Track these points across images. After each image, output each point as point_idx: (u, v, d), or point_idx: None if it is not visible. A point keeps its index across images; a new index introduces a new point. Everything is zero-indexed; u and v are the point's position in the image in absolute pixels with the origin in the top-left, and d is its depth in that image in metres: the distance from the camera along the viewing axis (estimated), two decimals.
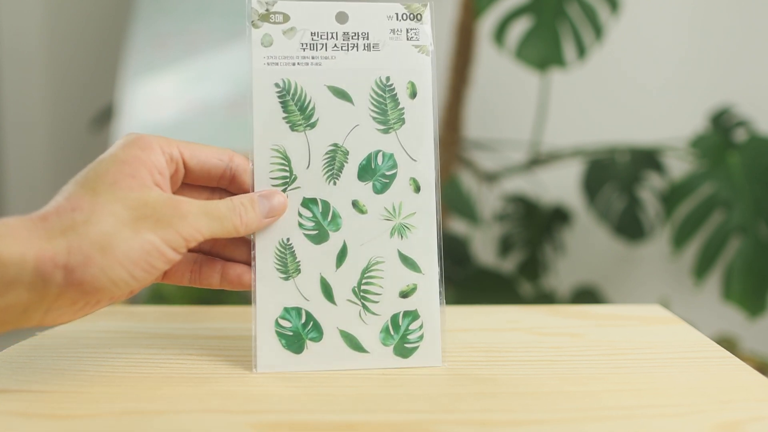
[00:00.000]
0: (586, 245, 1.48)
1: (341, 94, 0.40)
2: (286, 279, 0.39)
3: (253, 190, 0.39)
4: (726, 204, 1.05)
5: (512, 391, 0.36)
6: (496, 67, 1.40)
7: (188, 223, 0.35)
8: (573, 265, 1.47)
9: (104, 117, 1.41)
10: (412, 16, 0.41)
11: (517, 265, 1.35)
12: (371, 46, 0.41)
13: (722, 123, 1.21)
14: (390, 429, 0.31)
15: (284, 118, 0.40)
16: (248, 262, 0.40)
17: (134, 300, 1.26)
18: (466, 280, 1.20)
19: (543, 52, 1.03)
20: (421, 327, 0.40)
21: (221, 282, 0.40)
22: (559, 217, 1.37)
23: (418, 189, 0.40)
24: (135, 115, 1.18)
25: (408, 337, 0.40)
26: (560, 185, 1.44)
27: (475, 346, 0.44)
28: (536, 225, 1.36)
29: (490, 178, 1.33)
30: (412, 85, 0.41)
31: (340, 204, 0.40)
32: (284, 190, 0.39)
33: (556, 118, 1.39)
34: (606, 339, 0.46)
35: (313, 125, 0.40)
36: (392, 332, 0.40)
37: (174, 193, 0.38)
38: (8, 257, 0.31)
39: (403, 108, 0.40)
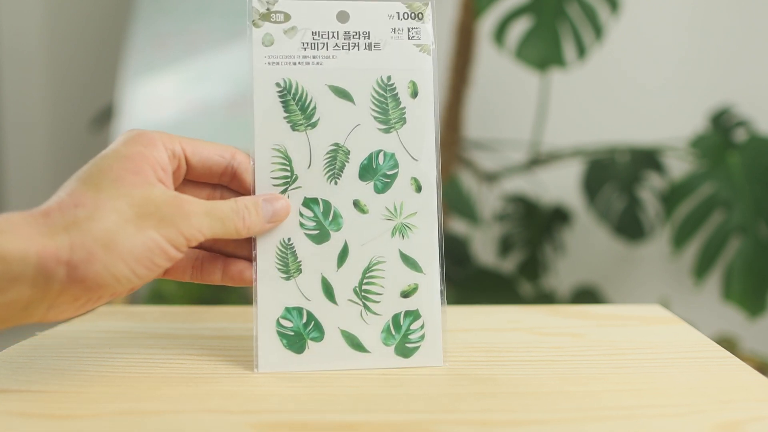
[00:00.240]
0: (586, 245, 1.48)
1: (342, 94, 0.40)
2: (287, 279, 0.39)
3: (254, 190, 0.39)
4: (726, 204, 1.05)
5: (512, 391, 0.36)
6: (496, 67, 1.40)
7: (191, 222, 0.35)
8: (573, 265, 1.47)
9: (104, 117, 1.41)
10: (413, 15, 0.41)
11: (517, 265, 1.36)
12: (372, 45, 0.40)
13: (722, 123, 1.21)
14: (390, 429, 0.31)
15: (285, 117, 0.40)
16: (250, 258, 0.40)
17: (134, 300, 1.26)
18: (466, 280, 1.20)
19: (543, 52, 1.03)
20: (422, 327, 0.40)
21: (223, 278, 0.40)
22: (559, 217, 1.37)
23: (419, 189, 0.40)
24: (135, 115, 1.18)
25: (409, 336, 0.40)
26: (560, 185, 1.44)
27: (475, 346, 0.44)
28: (536, 225, 1.36)
29: (490, 178, 1.33)
30: (414, 84, 0.41)
31: (341, 204, 0.40)
32: (285, 190, 0.39)
33: (556, 118, 1.39)
34: (606, 339, 0.46)
35: (314, 125, 0.40)
36: (393, 332, 0.40)
37: (175, 189, 0.38)
38: (10, 253, 0.31)
39: (404, 107, 0.40)
